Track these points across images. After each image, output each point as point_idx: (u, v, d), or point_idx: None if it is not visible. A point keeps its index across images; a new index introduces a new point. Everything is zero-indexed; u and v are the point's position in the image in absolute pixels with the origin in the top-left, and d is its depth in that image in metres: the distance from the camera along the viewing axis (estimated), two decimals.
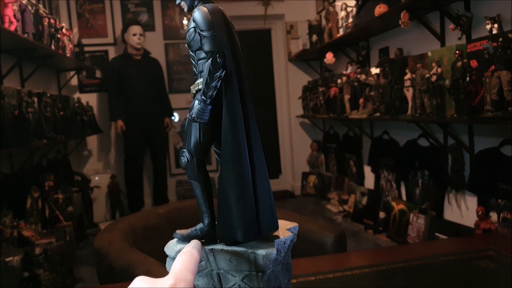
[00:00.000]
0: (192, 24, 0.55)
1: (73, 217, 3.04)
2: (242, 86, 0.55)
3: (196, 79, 0.57)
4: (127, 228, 1.51)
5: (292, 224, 0.58)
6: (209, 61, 0.52)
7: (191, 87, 0.57)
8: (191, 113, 0.55)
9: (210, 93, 0.53)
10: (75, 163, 3.89)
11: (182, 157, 0.56)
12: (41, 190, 2.67)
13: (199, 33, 0.54)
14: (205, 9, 0.54)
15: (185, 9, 0.58)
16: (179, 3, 0.58)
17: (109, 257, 1.19)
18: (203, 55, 0.55)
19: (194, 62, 0.58)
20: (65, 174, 3.44)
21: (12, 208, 2.31)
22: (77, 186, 3.54)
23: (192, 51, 0.57)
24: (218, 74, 0.52)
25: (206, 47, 0.53)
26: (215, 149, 0.60)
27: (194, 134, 0.55)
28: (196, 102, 0.55)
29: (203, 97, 0.53)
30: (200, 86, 0.54)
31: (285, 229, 0.57)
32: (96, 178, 3.87)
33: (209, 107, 0.53)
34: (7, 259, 1.83)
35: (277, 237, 0.55)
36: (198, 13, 0.54)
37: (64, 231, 2.68)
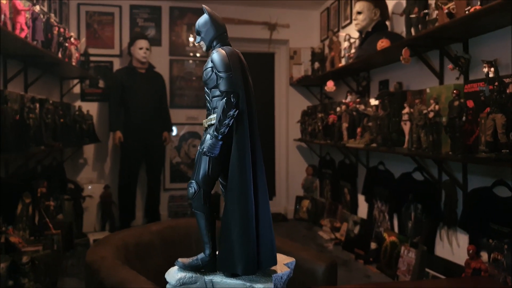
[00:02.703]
0: (210, 64, 0.58)
1: (63, 225, 3.00)
2: (252, 124, 0.58)
3: (209, 114, 0.60)
4: (120, 243, 1.51)
5: (290, 259, 0.60)
6: (224, 100, 0.55)
7: (204, 121, 0.60)
8: (202, 146, 0.57)
9: (222, 129, 0.55)
10: (70, 171, 3.87)
11: (190, 188, 0.58)
12: (33, 196, 2.65)
13: (216, 73, 0.57)
14: (223, 52, 0.57)
15: (204, 49, 0.61)
16: (199, 43, 0.62)
17: (100, 273, 1.19)
18: (217, 93, 0.58)
19: (208, 99, 0.60)
20: (59, 182, 3.42)
21: (2, 213, 2.29)
22: (69, 194, 3.51)
23: (208, 89, 0.60)
24: (231, 113, 0.54)
25: (222, 87, 0.56)
26: (221, 180, 0.62)
27: (204, 167, 0.57)
28: (208, 136, 0.57)
29: (215, 133, 0.55)
30: (213, 122, 0.57)
31: (283, 263, 0.59)
32: (89, 187, 3.84)
33: (220, 142, 0.56)
34: None
35: (275, 271, 0.56)
36: (217, 55, 0.57)
37: (52, 239, 2.65)
